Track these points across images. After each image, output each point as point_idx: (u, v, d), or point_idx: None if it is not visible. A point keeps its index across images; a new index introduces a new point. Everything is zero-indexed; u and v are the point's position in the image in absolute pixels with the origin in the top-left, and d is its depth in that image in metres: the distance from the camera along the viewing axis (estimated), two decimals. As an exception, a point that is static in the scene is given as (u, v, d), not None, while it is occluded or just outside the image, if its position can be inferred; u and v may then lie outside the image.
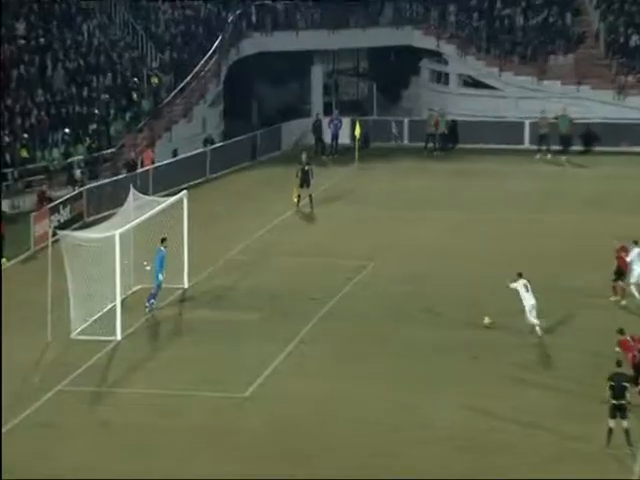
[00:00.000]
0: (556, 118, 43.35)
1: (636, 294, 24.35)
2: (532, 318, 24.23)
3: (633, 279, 24.31)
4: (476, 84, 47.89)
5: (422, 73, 49.97)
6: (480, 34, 48.37)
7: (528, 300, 24.14)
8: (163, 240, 26.44)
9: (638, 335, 21.23)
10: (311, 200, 35.73)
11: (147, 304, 26.26)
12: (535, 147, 43.77)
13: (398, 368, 23.19)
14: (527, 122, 44.83)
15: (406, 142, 46.12)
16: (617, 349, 21.11)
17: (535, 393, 21.86)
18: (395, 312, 26.45)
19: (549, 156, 43.31)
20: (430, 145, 44.83)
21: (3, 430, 20.17)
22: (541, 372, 22.95)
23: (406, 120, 46.70)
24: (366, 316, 26.20)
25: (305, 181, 35.57)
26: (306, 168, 35.70)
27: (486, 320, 25.01)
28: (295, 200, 35.59)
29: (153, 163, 39.04)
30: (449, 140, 45.24)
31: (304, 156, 36.48)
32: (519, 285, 24.25)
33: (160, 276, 26.16)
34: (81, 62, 41.74)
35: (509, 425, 20.43)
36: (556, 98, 44.96)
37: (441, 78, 49.10)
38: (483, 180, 40.31)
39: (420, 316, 26.11)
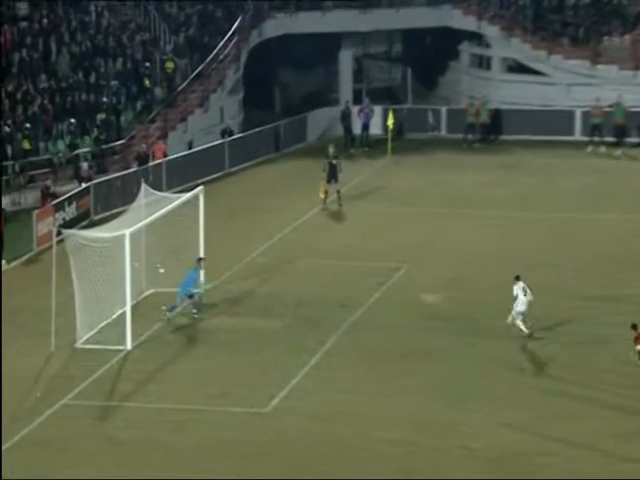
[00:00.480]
0: (610, 107, 43.21)
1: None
2: (519, 322, 24.83)
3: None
4: (521, 69, 47.77)
5: (461, 57, 49.91)
6: (526, 13, 48.23)
7: (521, 305, 24.79)
8: (200, 260, 26.84)
9: None
10: (339, 197, 35.82)
11: (168, 312, 26.33)
12: (587, 139, 43.63)
13: (433, 382, 23.21)
14: (578, 111, 44.67)
15: (443, 133, 46.10)
16: (638, 347, 21.81)
17: (586, 410, 21.79)
18: (429, 321, 26.48)
19: (602, 149, 43.17)
20: (470, 136, 44.78)
21: (2, 448, 20.33)
22: (592, 387, 22.87)
23: (444, 109, 46.68)
24: (398, 325, 26.23)
25: (333, 176, 35.73)
26: (334, 162, 35.85)
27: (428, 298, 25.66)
28: (322, 196, 35.69)
29: (166, 156, 39.24)
30: (491, 131, 45.17)
31: (332, 148, 36.59)
32: (518, 288, 24.86)
33: (191, 290, 26.32)
34: (88, 45, 41.99)
35: (559, 446, 20.37)
36: (611, 85, 44.78)
37: (482, 63, 49.01)
38: (528, 175, 40.22)
39: (456, 325, 26.11)
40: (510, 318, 25.07)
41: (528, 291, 24.88)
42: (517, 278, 25.17)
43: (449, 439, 20.78)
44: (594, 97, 43.43)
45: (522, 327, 24.96)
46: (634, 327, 23.02)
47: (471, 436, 20.85)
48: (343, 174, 36.25)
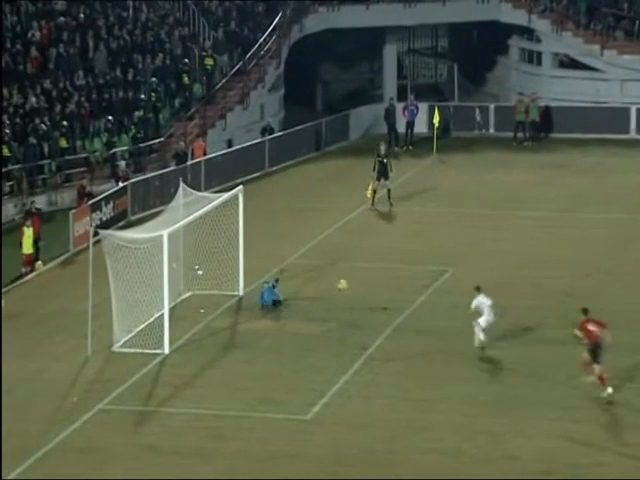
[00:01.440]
0: None
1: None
2: (480, 333, 24.61)
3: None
4: (573, 64, 47.46)
5: (511, 52, 49.67)
6: (579, 6, 47.90)
7: (486, 316, 24.55)
8: (277, 280, 27.63)
9: (598, 319, 22.55)
10: (389, 196, 35.79)
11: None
12: (640, 137, 43.29)
13: (479, 391, 23.12)
14: (634, 108, 44.32)
15: (492, 131, 45.89)
16: (576, 331, 22.61)
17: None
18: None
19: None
20: (519, 135, 44.57)
21: (35, 456, 20.47)
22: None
23: (492, 106, 46.48)
24: (444, 330, 26.15)
25: (383, 174, 35.77)
26: (384, 160, 35.88)
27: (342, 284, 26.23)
28: (369, 196, 35.68)
29: (205, 154, 39.38)
30: (541, 129, 44.93)
31: (382, 147, 36.69)
32: (478, 301, 24.58)
33: (269, 297, 27.22)
34: (126, 41, 42.25)
35: (611, 457, 20.22)
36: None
37: (533, 58, 48.75)
38: (581, 175, 39.95)
39: (505, 331, 25.96)
40: (478, 333, 24.56)
41: (490, 306, 24.52)
42: (478, 289, 24.66)
43: (497, 449, 20.68)
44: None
45: (480, 336, 24.55)
46: (584, 311, 22.88)
47: (520, 446, 20.74)
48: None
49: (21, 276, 30.06)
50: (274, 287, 27.59)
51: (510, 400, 22.61)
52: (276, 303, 27.42)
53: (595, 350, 22.67)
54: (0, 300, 27.33)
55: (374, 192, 35.67)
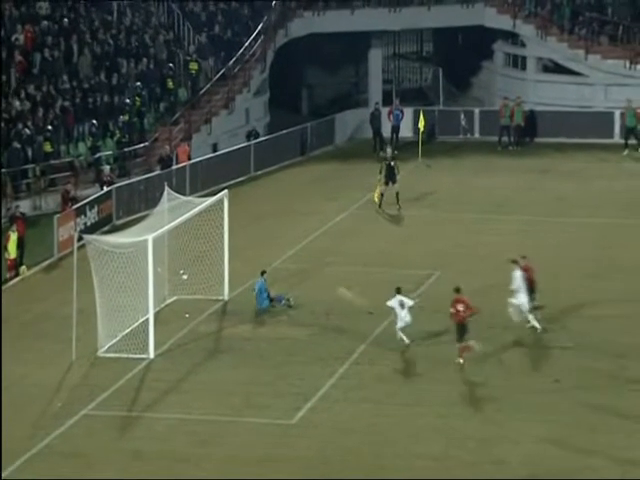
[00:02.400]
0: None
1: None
2: (402, 334, 25.03)
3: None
4: (558, 69, 47.63)
5: (495, 57, 49.82)
6: (563, 11, 48.07)
7: (403, 318, 25.03)
8: (263, 273, 27.51)
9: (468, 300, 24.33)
10: (398, 199, 35.89)
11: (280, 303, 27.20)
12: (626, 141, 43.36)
13: (466, 395, 23.16)
14: (617, 113, 44.44)
15: (476, 135, 46.02)
16: (451, 309, 24.01)
17: (630, 425, 21.65)
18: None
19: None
20: (504, 139, 44.68)
21: (20, 461, 20.42)
22: (628, 400, 22.74)
23: (477, 110, 46.61)
24: (430, 334, 26.18)
25: (390, 178, 35.92)
26: (392, 163, 36.05)
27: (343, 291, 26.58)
28: (376, 199, 35.70)
29: (189, 159, 39.38)
30: (526, 133, 45.05)
31: (389, 149, 37.01)
32: (394, 302, 25.09)
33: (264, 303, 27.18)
34: (110, 45, 42.22)
35: (603, 462, 20.23)
36: (651, 85, 44.58)
37: (517, 62, 48.90)
38: (565, 180, 40.07)
39: (491, 334, 26.03)
40: (400, 334, 25.08)
41: (405, 304, 25.05)
42: (397, 291, 25.10)
43: (483, 453, 20.71)
44: (629, 98, 43.18)
45: (403, 337, 25.01)
46: (457, 290, 24.27)
47: (507, 450, 20.76)
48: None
49: (5, 281, 29.98)
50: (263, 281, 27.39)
51: (496, 404, 22.64)
52: (274, 300, 27.35)
53: (459, 329, 23.98)
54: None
55: (382, 196, 35.80)
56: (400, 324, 25.18)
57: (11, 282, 30.03)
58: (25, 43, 40.21)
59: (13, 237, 30.19)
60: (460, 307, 24.14)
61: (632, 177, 40.16)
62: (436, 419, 22.02)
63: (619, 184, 39.13)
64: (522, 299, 25.68)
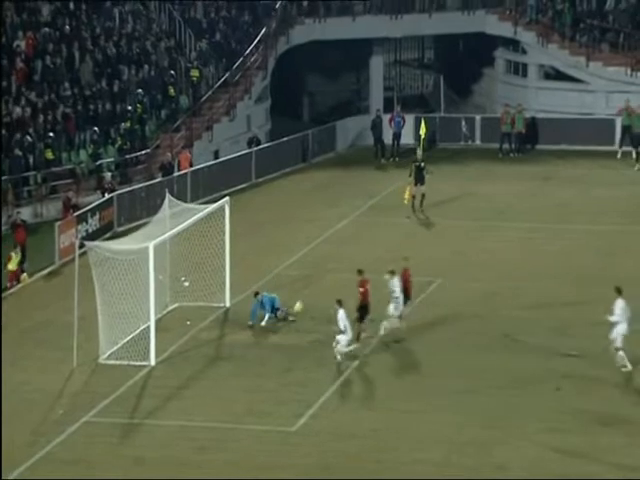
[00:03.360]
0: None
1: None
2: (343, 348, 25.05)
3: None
4: (559, 76, 47.66)
5: (497, 64, 49.85)
6: (564, 18, 48.15)
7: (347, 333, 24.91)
8: (256, 294, 27.48)
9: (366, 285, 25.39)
10: (422, 200, 36.10)
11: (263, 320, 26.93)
12: (627, 148, 43.31)
13: (467, 401, 23.16)
14: (619, 120, 44.39)
15: (478, 142, 46.03)
16: (360, 289, 25.03)
17: (628, 430, 21.66)
18: (464, 337, 26.43)
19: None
20: (505, 146, 44.69)
21: (21, 468, 20.44)
22: (630, 407, 22.75)
23: (478, 117, 46.62)
24: (431, 341, 26.20)
25: (419, 179, 36.17)
26: (421, 165, 36.31)
27: (297, 306, 27.01)
28: (407, 202, 35.93)
29: (191, 166, 39.41)
30: (527, 140, 45.05)
31: (418, 152, 37.21)
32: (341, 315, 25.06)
33: (267, 316, 27.14)
34: (112, 52, 42.28)
35: (603, 468, 20.25)
36: (652, 92, 44.59)
37: (519, 70, 48.93)
38: (567, 187, 40.09)
39: (493, 342, 26.06)
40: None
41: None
42: (339, 303, 25.00)
43: (484, 459, 20.72)
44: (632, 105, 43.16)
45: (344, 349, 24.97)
46: (359, 272, 25.40)
47: (507, 456, 20.78)
48: (381, 184, 36.26)
49: (6, 289, 30.00)
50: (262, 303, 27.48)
51: (497, 410, 22.66)
52: (274, 310, 27.35)
53: (360, 309, 24.79)
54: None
55: (413, 197, 36.01)
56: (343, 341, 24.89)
57: (12, 289, 30.04)
58: (26, 50, 40.27)
59: (15, 259, 30.06)
60: (362, 289, 25.17)
61: (633, 183, 40.16)
62: (437, 425, 22.03)
63: (621, 191, 39.15)
64: (391, 308, 25.74)
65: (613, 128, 44.41)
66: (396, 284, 25.87)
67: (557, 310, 27.54)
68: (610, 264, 31.49)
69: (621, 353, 23.98)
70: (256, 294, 27.54)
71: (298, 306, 27.50)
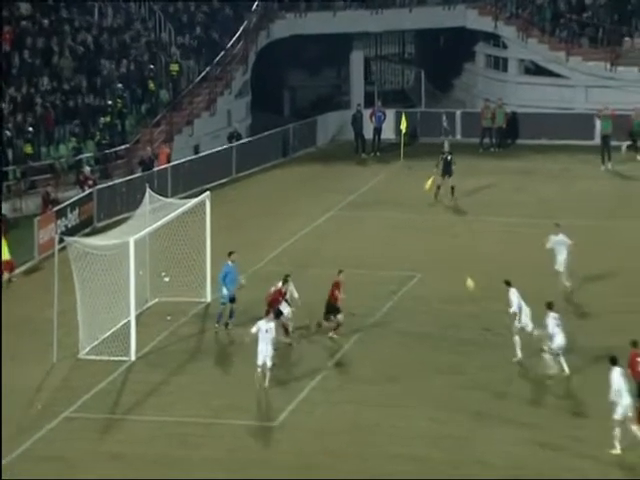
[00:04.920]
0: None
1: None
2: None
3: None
4: (539, 71, 47.76)
5: (477, 59, 49.93)
6: (544, 13, 48.23)
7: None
8: (230, 254, 26.79)
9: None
10: (453, 192, 36.60)
11: (217, 324, 26.46)
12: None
13: (448, 396, 23.18)
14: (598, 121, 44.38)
15: (458, 137, 46.04)
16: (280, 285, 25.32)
17: (608, 425, 21.71)
18: (445, 332, 26.44)
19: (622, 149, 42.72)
20: (486, 141, 44.77)
21: (2, 462, 20.36)
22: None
23: (458, 112, 46.65)
24: (412, 335, 26.22)
25: (447, 171, 36.74)
26: (448, 157, 36.80)
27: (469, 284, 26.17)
28: (427, 189, 36.27)
29: (169, 161, 39.30)
30: (508, 135, 45.14)
31: (446, 143, 37.77)
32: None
33: (225, 291, 26.28)
34: (91, 46, 42.09)
35: (584, 463, 20.31)
36: (631, 87, 44.67)
37: (499, 64, 49.01)
38: (547, 181, 40.17)
39: (474, 337, 26.08)
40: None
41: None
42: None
43: (465, 454, 20.74)
44: (611, 100, 43.18)
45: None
46: (286, 275, 25.90)
47: (488, 451, 20.81)
48: (361, 179, 36.28)
49: (9, 281, 29.85)
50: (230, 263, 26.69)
51: (477, 405, 22.67)
52: (234, 299, 26.73)
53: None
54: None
55: (438, 188, 36.46)
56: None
57: (14, 279, 29.76)
58: (5, 44, 40.03)
59: (5, 247, 29.90)
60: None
61: (613, 178, 40.24)
62: (418, 420, 22.05)
63: (601, 185, 39.24)
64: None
65: (592, 123, 44.44)
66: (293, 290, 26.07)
67: (539, 304, 27.55)
68: (592, 258, 31.49)
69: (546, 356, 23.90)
70: (230, 253, 26.92)
71: (470, 284, 26.30)
